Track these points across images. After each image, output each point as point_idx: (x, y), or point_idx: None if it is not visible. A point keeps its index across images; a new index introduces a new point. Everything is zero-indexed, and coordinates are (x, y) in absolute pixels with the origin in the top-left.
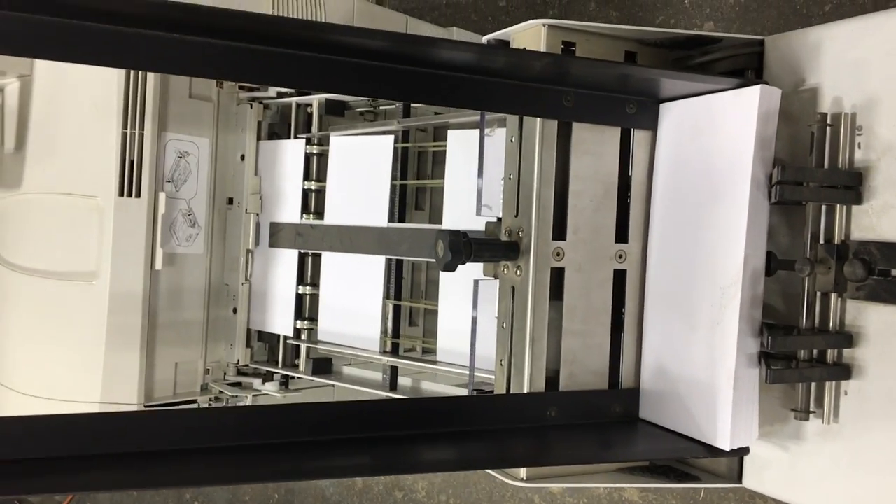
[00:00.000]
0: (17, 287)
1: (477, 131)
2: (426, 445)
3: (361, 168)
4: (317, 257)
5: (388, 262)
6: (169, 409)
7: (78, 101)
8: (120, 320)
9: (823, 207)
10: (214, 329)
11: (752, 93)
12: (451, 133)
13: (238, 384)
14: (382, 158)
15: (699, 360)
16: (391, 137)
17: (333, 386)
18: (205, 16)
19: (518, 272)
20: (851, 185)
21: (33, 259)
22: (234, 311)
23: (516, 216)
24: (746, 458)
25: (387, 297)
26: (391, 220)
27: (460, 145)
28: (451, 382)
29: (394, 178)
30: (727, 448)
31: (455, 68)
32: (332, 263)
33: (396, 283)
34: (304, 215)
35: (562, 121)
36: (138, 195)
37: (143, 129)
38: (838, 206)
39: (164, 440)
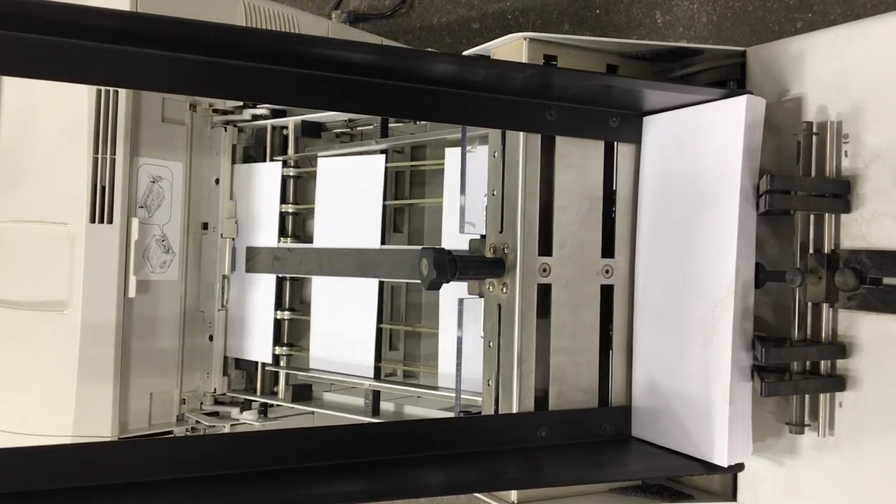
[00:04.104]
0: None
1: (476, 150)
2: (413, 469)
3: (351, 189)
4: (295, 281)
5: (381, 285)
6: (147, 438)
7: (48, 126)
8: (92, 350)
9: (812, 217)
10: (190, 357)
11: (738, 103)
12: (448, 151)
13: (215, 413)
14: (373, 179)
15: (692, 374)
16: (381, 157)
17: (314, 413)
18: (178, 28)
19: (504, 289)
20: (840, 194)
21: (2, 289)
22: (211, 338)
23: (501, 232)
24: (741, 475)
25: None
26: (383, 241)
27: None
28: (436, 406)
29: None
30: (725, 464)
31: (436, 82)
32: (322, 288)
33: (378, 306)
34: (282, 239)
35: (545, 135)
36: (110, 221)
37: (114, 154)
38: (827, 215)
39: (143, 471)
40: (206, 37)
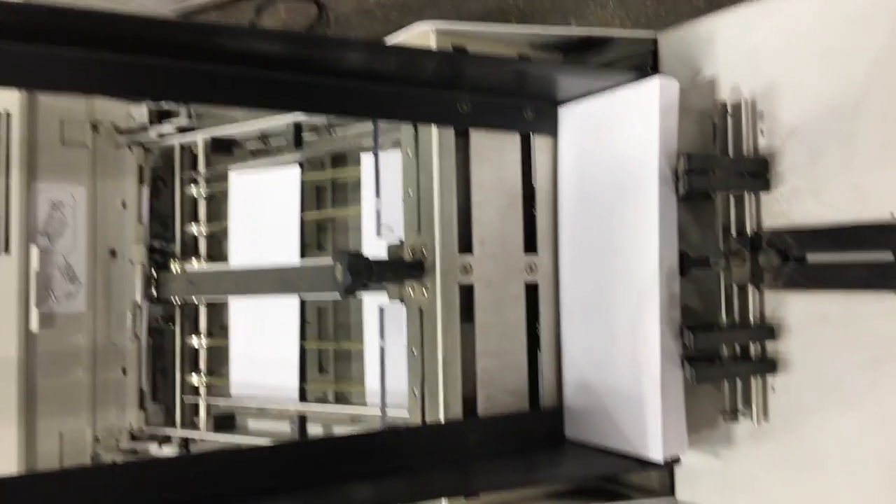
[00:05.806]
0: None
1: (389, 154)
2: (341, 487)
3: (267, 205)
4: (212, 306)
5: (304, 303)
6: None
7: None
8: None
9: (732, 199)
10: (103, 392)
11: (652, 86)
12: (363, 157)
13: (133, 451)
14: (289, 192)
15: (622, 368)
16: (297, 169)
17: (239, 445)
18: (64, 19)
19: (425, 292)
20: (758, 173)
21: None
22: (124, 371)
23: (419, 233)
24: (677, 469)
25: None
26: (303, 256)
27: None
28: (368, 426)
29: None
30: (660, 459)
31: (345, 74)
32: (241, 310)
33: (301, 325)
34: (196, 260)
35: (458, 128)
36: (6, 251)
37: (8, 180)
38: (747, 195)
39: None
40: (93, 27)
